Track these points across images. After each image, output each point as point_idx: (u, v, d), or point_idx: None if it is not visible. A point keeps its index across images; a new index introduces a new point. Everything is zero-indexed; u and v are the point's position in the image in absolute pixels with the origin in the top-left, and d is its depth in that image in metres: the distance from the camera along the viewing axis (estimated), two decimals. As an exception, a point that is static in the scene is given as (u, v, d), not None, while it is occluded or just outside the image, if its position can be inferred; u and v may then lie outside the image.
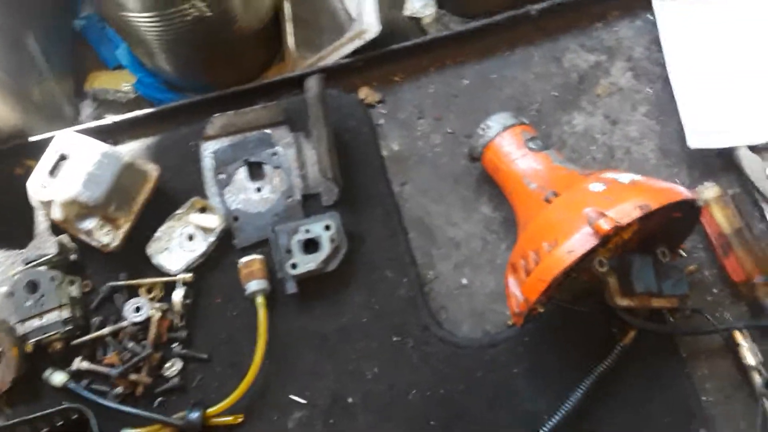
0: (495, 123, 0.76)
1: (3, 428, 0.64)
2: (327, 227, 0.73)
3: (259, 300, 0.72)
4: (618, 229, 0.56)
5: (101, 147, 0.73)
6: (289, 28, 0.93)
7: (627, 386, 0.68)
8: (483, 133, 0.76)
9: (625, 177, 0.63)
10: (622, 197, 0.59)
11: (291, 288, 0.72)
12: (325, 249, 0.72)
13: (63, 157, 0.73)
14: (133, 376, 0.70)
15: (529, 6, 0.88)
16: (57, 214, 0.72)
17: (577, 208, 0.60)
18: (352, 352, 0.72)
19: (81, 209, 0.72)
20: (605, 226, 0.56)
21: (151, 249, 0.75)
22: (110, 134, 0.82)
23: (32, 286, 0.70)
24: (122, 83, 1.02)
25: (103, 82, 1.03)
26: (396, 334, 0.72)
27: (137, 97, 1.03)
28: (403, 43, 0.86)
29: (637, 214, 0.57)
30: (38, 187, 0.72)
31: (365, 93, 0.85)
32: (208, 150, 0.81)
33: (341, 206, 0.77)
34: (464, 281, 0.77)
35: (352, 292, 0.74)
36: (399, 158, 0.83)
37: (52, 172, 0.72)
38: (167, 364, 0.71)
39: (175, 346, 0.72)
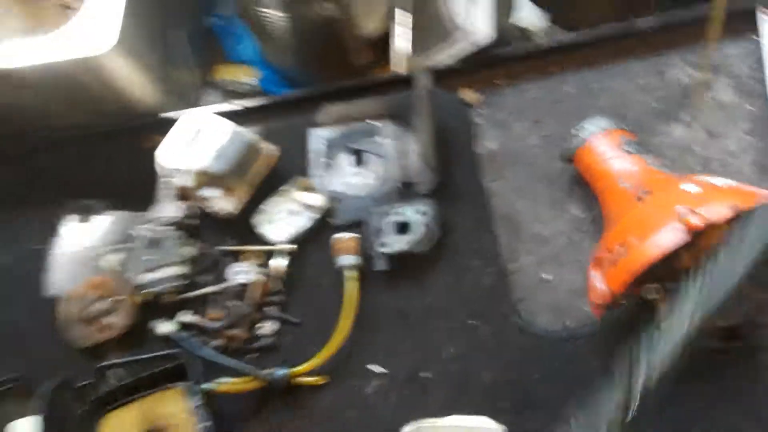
0: (590, 125, 0.77)
1: (111, 365, 0.72)
2: (421, 212, 0.77)
3: (349, 273, 0.77)
4: (709, 226, 0.57)
5: (231, 126, 0.82)
6: (397, 31, 0.99)
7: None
8: (577, 133, 0.78)
9: (720, 181, 0.63)
10: (714, 197, 0.60)
11: (380, 265, 0.77)
12: (417, 232, 0.77)
13: (198, 132, 0.82)
14: (231, 332, 0.76)
15: (635, 21, 0.89)
16: (188, 181, 0.81)
17: (668, 206, 0.61)
18: (431, 331, 0.75)
19: (208, 179, 0.80)
20: (695, 221, 0.57)
21: (255, 220, 0.82)
22: (234, 117, 0.91)
23: (155, 243, 0.79)
24: (243, 76, 1.12)
25: (227, 74, 1.13)
26: (475, 319, 0.75)
27: (255, 88, 1.12)
28: (508, 49, 0.90)
29: (728, 213, 0.57)
30: (171, 156, 0.81)
31: (467, 94, 0.89)
32: (318, 136, 0.88)
33: (436, 196, 0.81)
34: (547, 276, 0.78)
35: (438, 276, 0.78)
36: (494, 157, 0.86)
37: (187, 144, 0.81)
38: (262, 324, 0.78)
39: (271, 309, 0.79)
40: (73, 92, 0.84)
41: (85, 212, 0.85)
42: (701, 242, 0.62)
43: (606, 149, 0.76)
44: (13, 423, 0.68)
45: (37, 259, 0.83)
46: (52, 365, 0.73)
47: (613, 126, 0.77)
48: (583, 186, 0.81)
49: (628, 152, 0.74)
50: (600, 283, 0.66)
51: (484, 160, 0.86)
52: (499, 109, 0.89)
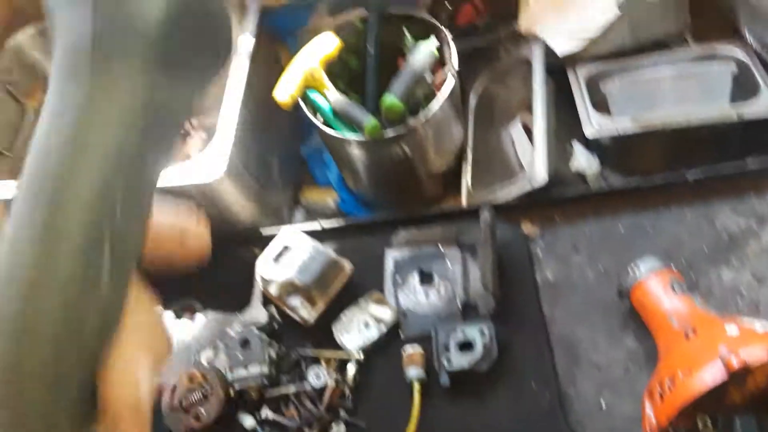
0: (644, 265, 0.85)
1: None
2: (482, 332, 0.85)
3: (416, 385, 0.84)
4: (746, 368, 0.63)
5: (314, 243, 0.94)
6: (468, 170, 1.12)
7: None
8: (632, 273, 0.86)
9: (761, 326, 0.69)
10: (755, 341, 0.66)
11: (444, 380, 0.84)
12: (478, 351, 0.84)
13: (286, 248, 0.95)
14: (306, 430, 0.84)
15: (686, 171, 0.99)
16: (274, 290, 0.92)
17: (712, 345, 0.67)
18: (490, 448, 0.81)
19: (292, 289, 0.92)
20: (734, 361, 0.63)
21: (336, 328, 0.92)
22: (317, 235, 1.03)
23: (245, 342, 0.89)
24: (328, 198, 1.27)
25: (313, 196, 1.28)
26: (532, 440, 0.81)
27: (337, 210, 1.26)
28: (566, 190, 1.01)
29: (765, 357, 0.63)
30: (264, 267, 0.94)
31: (527, 227, 1.00)
32: (391, 256, 0.99)
33: (496, 319, 0.89)
34: (603, 402, 0.83)
35: (498, 395, 0.84)
36: (552, 286, 0.95)
37: (276, 258, 0.94)
38: (333, 427, 0.85)
39: (342, 413, 0.86)
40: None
41: (188, 310, 0.97)
42: (749, 381, 0.67)
43: (657, 288, 0.83)
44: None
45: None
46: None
47: (664, 266, 0.85)
48: (637, 319, 0.88)
49: (678, 292, 0.81)
50: (651, 414, 0.71)
51: (542, 288, 0.95)
52: (557, 243, 0.99)
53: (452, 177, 1.16)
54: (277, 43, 1.29)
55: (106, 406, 0.29)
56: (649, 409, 0.72)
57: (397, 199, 1.17)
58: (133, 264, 0.27)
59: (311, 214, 1.27)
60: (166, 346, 0.32)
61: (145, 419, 0.31)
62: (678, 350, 0.73)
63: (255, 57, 1.10)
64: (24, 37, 1.23)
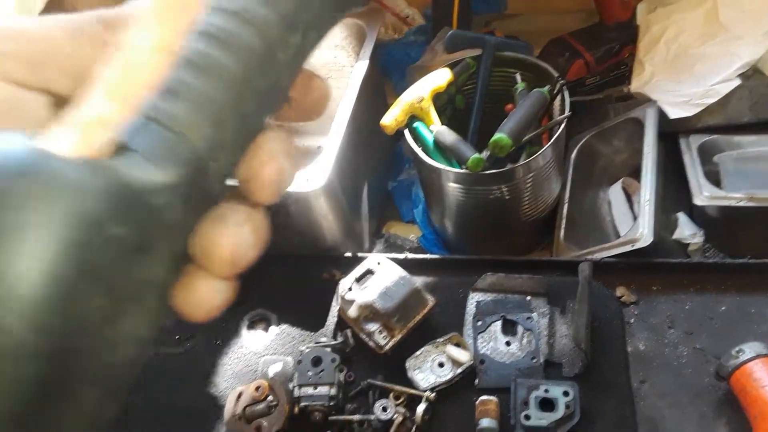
0: (749, 349, 0.79)
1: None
2: (565, 393, 0.80)
3: (488, 437, 0.80)
4: None
5: (400, 271, 0.92)
6: (561, 224, 1.09)
7: None
8: (736, 355, 0.79)
9: None
10: None
11: (519, 436, 0.79)
12: (560, 411, 0.79)
13: (369, 272, 0.93)
14: (366, 463, 0.80)
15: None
16: (353, 312, 0.90)
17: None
18: None
19: (371, 314, 0.90)
20: None
21: (409, 363, 0.89)
22: (401, 265, 1.01)
23: (317, 361, 0.87)
24: (410, 234, 1.26)
25: (396, 229, 1.27)
26: None
27: (418, 247, 1.24)
28: (668, 260, 0.96)
29: None
30: (346, 288, 0.92)
31: (622, 292, 0.94)
32: (474, 299, 0.96)
33: (581, 381, 0.84)
34: (688, 493, 0.76)
35: (574, 462, 0.79)
36: (642, 358, 0.89)
37: (359, 280, 0.92)
38: (394, 464, 0.81)
39: (405, 452, 0.82)
40: (283, 218, 0.99)
41: (262, 321, 0.96)
42: None
43: (762, 375, 0.76)
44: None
45: (214, 353, 0.94)
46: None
47: (772, 354, 0.78)
48: (732, 406, 0.81)
49: (787, 383, 0.75)
50: None
51: (632, 359, 0.89)
52: (652, 314, 0.93)
53: (542, 230, 1.13)
54: (384, 77, 1.31)
55: None
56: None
57: (483, 243, 1.14)
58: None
59: (391, 248, 1.26)
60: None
61: None
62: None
63: (364, 86, 1.11)
64: None
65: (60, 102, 0.23)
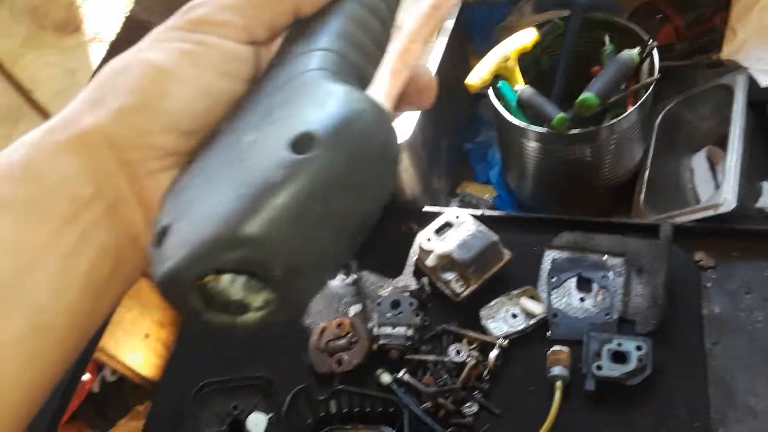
0: (833, 317, 0.79)
1: (345, 391, 0.84)
2: (638, 347, 0.82)
3: (558, 384, 0.83)
4: None
5: (479, 225, 0.95)
6: (642, 189, 1.09)
7: None
8: (816, 322, 0.79)
9: None
10: None
11: (590, 385, 0.82)
12: (632, 364, 0.81)
13: (448, 224, 0.97)
14: (440, 400, 0.85)
15: None
16: (431, 261, 0.94)
17: None
18: (627, 464, 0.78)
19: (448, 264, 0.94)
20: None
21: (483, 312, 0.93)
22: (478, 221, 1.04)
23: (395, 304, 0.92)
24: (485, 194, 1.28)
25: (471, 189, 1.30)
26: (675, 467, 0.77)
27: (493, 207, 1.27)
28: (751, 226, 0.95)
29: None
30: (425, 238, 0.96)
31: (701, 256, 0.95)
32: (549, 256, 0.98)
33: (655, 339, 0.86)
34: (756, 450, 0.78)
35: (643, 413, 0.81)
36: (717, 321, 0.89)
37: (438, 231, 0.96)
38: (466, 404, 0.85)
39: (477, 393, 0.86)
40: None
41: (343, 267, 1.02)
42: None
43: None
44: (255, 414, 0.82)
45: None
46: (293, 377, 0.87)
47: None
48: (807, 374, 0.81)
49: None
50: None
51: (707, 321, 0.90)
52: (730, 279, 0.93)
53: (621, 194, 1.13)
54: (466, 38, 1.32)
55: None
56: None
57: (560, 205, 1.15)
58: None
59: (466, 206, 1.29)
60: None
61: None
62: None
63: (448, 47, 1.14)
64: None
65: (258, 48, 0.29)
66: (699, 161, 1.12)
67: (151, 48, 0.27)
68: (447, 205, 1.28)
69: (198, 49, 0.27)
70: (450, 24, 1.16)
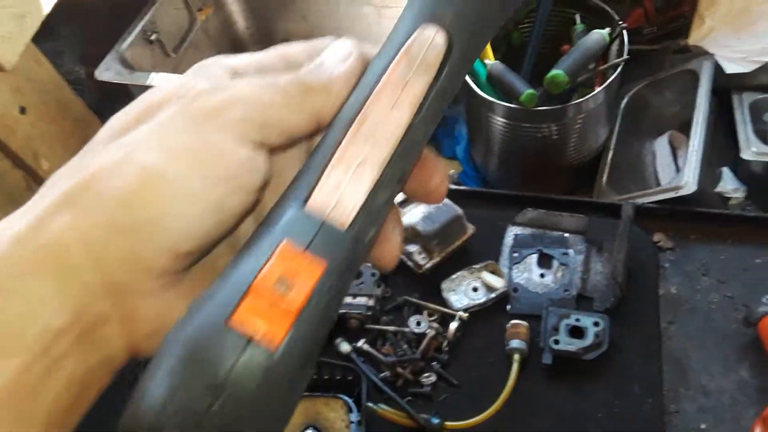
0: (783, 298, 0.81)
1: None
2: (596, 324, 0.83)
3: (516, 356, 0.83)
4: None
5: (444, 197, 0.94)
6: (605, 170, 1.10)
7: None
8: (767, 303, 0.81)
9: None
10: None
11: (547, 359, 0.83)
12: (589, 339, 0.82)
13: (413, 195, 0.96)
14: (398, 369, 0.85)
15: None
16: (395, 231, 0.93)
17: None
18: (580, 436, 0.79)
19: (412, 235, 0.93)
20: None
21: (445, 285, 0.92)
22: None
23: (358, 274, 0.91)
24: (450, 169, 1.28)
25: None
26: (626, 440, 0.78)
27: (457, 182, 1.26)
28: (710, 210, 0.97)
29: None
30: (390, 208, 0.95)
31: (660, 237, 0.96)
32: (512, 232, 0.98)
33: (612, 316, 0.87)
34: (703, 426, 0.80)
35: (598, 388, 0.82)
36: (673, 301, 0.91)
37: (403, 203, 0.95)
38: (425, 374, 0.85)
39: (435, 364, 0.86)
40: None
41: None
42: None
43: (793, 323, 0.79)
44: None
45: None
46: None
47: (805, 305, 0.80)
48: (756, 352, 0.83)
49: (817, 332, 0.77)
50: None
51: (663, 301, 0.91)
52: (687, 260, 0.95)
53: (584, 174, 1.14)
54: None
55: None
56: (763, 437, 0.68)
57: (524, 182, 1.16)
58: None
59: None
60: None
61: None
62: (813, 386, 0.68)
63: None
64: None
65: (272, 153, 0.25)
66: (661, 145, 1.14)
67: (149, 141, 0.22)
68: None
69: (208, 153, 0.22)
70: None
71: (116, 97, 1.31)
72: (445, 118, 1.34)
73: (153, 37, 1.17)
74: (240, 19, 1.43)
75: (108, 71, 1.06)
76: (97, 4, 1.21)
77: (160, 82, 1.04)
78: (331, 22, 1.34)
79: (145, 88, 1.05)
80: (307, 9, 1.36)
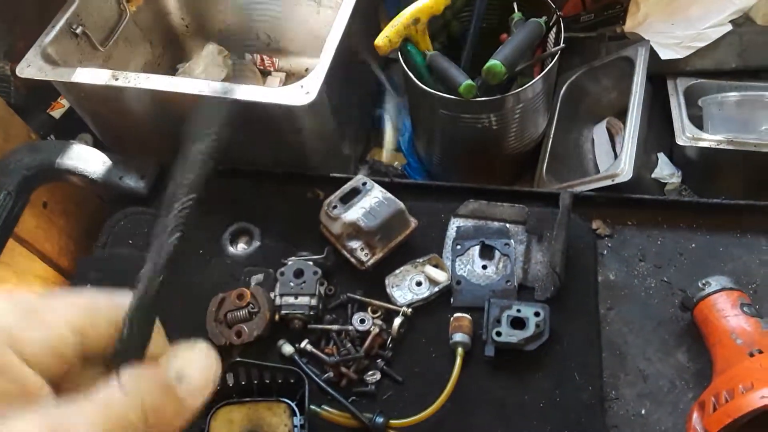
0: (716, 282, 0.83)
1: (244, 363, 0.80)
2: (536, 314, 0.84)
3: (459, 350, 0.83)
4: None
5: (385, 192, 0.93)
6: (545, 158, 1.11)
7: None
8: (703, 287, 0.83)
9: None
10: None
11: (489, 351, 0.83)
12: (530, 330, 0.83)
13: (355, 191, 0.94)
14: (342, 369, 0.84)
15: (765, 203, 0.96)
16: (337, 229, 0.92)
17: (781, 367, 0.65)
18: (524, 428, 0.79)
19: (354, 232, 0.92)
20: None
21: (388, 280, 0.92)
22: (386, 188, 1.03)
23: (299, 273, 0.89)
24: (395, 162, 1.27)
25: (381, 157, 1.28)
26: (568, 429, 0.79)
27: (402, 174, 1.26)
28: (645, 196, 0.98)
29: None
30: (331, 206, 0.93)
31: (598, 225, 0.98)
32: (455, 224, 0.98)
33: (552, 305, 0.88)
34: (643, 411, 0.81)
35: (540, 378, 0.83)
36: (612, 287, 0.93)
37: (344, 199, 0.94)
38: (369, 373, 0.85)
39: (380, 362, 0.86)
40: (270, 133, 0.99)
41: (246, 234, 0.97)
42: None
43: (726, 306, 0.81)
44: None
45: (196, 262, 0.95)
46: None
47: (735, 286, 0.82)
48: (692, 337, 0.86)
49: (745, 313, 0.79)
50: (699, 425, 0.69)
51: (602, 288, 0.93)
52: (625, 247, 0.96)
53: (526, 163, 1.15)
54: (376, 2, 1.28)
55: None
56: (697, 421, 0.70)
57: (467, 173, 1.16)
58: None
59: (375, 174, 1.27)
60: None
61: None
62: (740, 367, 0.70)
63: (356, 10, 1.09)
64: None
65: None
66: (599, 132, 1.15)
67: None
68: (356, 172, 1.25)
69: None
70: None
71: (44, 94, 1.26)
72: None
73: (79, 30, 1.12)
74: (174, 10, 1.38)
75: (30, 67, 1.01)
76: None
77: (86, 77, 0.99)
78: (269, 14, 1.31)
79: (69, 84, 1.01)
80: (245, 0, 1.32)
